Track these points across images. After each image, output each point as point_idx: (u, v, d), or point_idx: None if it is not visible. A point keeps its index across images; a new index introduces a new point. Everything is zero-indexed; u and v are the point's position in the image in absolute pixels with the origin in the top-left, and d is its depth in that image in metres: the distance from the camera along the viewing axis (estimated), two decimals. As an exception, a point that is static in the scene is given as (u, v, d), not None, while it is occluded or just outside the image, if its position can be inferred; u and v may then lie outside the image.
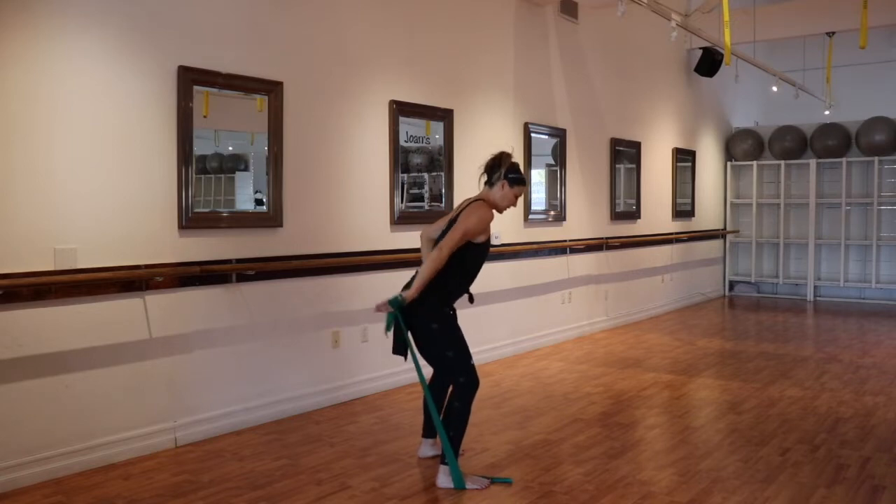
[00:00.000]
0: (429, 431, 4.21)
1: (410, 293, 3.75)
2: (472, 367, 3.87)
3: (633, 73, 9.32)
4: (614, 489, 3.75)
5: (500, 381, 6.07)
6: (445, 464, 3.79)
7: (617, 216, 8.94)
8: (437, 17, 6.29)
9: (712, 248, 11.75)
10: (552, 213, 7.75)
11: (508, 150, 4.06)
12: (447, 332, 3.86)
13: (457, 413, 3.80)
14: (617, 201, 8.94)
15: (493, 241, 6.79)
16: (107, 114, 4.09)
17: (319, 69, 5.27)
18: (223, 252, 4.66)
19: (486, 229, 3.90)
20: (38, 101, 3.81)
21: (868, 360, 7.00)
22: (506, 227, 7.04)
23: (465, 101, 6.53)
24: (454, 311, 3.97)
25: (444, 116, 6.28)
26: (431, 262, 3.76)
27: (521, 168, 4.15)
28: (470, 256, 3.88)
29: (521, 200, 7.13)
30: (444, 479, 3.78)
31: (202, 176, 4.61)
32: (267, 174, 4.93)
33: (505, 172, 3.94)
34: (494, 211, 3.97)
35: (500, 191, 3.96)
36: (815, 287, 11.54)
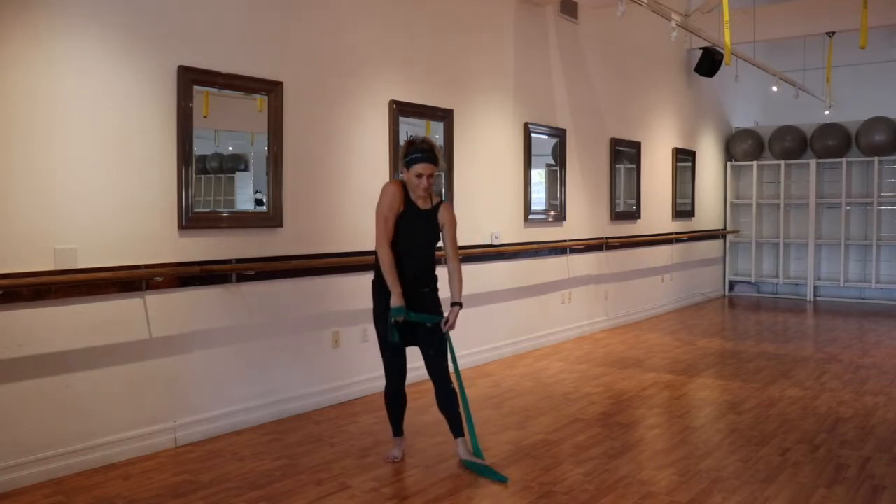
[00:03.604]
0: (398, 431, 4.26)
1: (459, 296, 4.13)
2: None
3: (633, 73, 9.31)
4: (614, 489, 3.75)
5: (500, 381, 6.07)
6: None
7: (617, 216, 8.94)
8: (437, 17, 6.29)
9: (712, 248, 11.75)
10: (552, 213, 7.75)
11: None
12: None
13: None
14: (617, 201, 8.94)
15: (493, 241, 6.88)
16: (107, 114, 4.09)
17: (319, 69, 5.27)
18: (223, 252, 4.66)
19: (393, 198, 3.93)
20: (38, 102, 3.81)
21: (868, 360, 7.00)
22: (506, 227, 7.04)
23: (465, 101, 6.53)
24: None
25: (444, 116, 6.28)
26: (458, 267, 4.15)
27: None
28: (400, 230, 3.99)
29: (516, 199, 7.16)
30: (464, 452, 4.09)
31: (202, 176, 4.61)
32: (267, 174, 4.93)
33: (402, 157, 3.97)
34: (416, 190, 3.98)
35: (406, 176, 3.99)
36: (815, 287, 11.54)
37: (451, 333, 4.10)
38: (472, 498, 3.67)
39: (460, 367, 4.35)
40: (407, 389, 5.91)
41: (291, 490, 3.74)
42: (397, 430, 4.23)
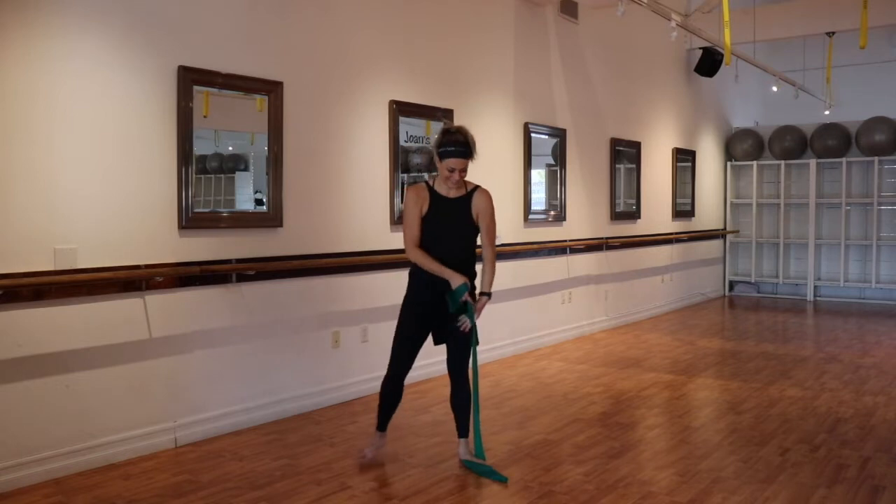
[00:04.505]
0: (383, 426, 4.20)
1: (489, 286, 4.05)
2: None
3: (633, 73, 9.31)
4: (614, 489, 3.75)
5: (500, 381, 6.07)
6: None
7: (617, 216, 8.94)
8: (437, 17, 6.29)
9: (712, 248, 11.75)
10: (552, 213, 7.75)
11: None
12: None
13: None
14: (617, 201, 8.94)
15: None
16: (107, 114, 4.09)
17: (319, 69, 5.27)
18: (223, 252, 4.66)
19: (415, 203, 3.95)
20: (37, 102, 3.81)
21: (868, 360, 7.00)
22: (506, 227, 7.04)
23: (465, 101, 6.53)
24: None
25: (444, 116, 6.27)
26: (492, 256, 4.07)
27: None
28: (425, 231, 3.98)
29: (516, 199, 7.17)
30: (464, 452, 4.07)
31: (202, 176, 4.61)
32: (267, 174, 4.93)
33: (436, 146, 3.94)
34: (440, 184, 3.99)
35: (439, 166, 3.96)
36: (815, 287, 11.54)
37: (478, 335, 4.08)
38: (473, 498, 3.67)
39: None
40: (406, 389, 5.92)
41: (291, 490, 3.74)
42: (383, 424, 4.17)
